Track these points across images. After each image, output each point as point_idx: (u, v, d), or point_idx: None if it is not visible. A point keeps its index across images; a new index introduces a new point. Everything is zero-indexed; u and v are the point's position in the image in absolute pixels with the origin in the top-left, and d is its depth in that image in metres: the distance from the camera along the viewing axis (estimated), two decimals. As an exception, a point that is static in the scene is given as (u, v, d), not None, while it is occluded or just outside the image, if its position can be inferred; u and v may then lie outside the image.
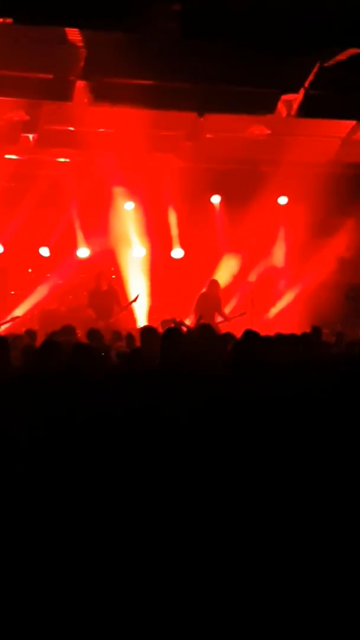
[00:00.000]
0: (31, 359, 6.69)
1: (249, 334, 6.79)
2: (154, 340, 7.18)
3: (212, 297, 12.79)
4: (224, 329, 12.26)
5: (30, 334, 9.97)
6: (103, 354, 7.73)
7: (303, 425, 4.34)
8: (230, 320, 12.58)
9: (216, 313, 12.74)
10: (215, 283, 13.00)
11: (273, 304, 13.99)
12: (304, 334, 8.80)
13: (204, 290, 12.89)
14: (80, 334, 9.83)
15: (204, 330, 8.51)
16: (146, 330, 8.29)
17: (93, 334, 9.24)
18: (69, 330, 9.50)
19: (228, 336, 8.29)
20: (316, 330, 9.84)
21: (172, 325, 10.73)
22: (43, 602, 3.24)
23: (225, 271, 13.99)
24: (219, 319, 12.67)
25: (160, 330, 11.07)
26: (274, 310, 13.95)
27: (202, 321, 11.69)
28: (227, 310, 13.26)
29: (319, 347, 8.33)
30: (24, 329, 10.65)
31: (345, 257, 13.97)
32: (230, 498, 3.77)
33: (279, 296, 14.16)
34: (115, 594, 3.30)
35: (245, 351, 6.14)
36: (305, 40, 9.49)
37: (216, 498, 3.75)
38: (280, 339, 7.64)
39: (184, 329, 10.33)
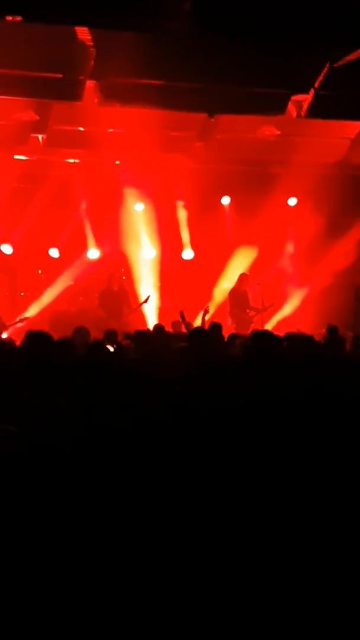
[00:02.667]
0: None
1: (259, 334, 6.77)
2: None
3: (242, 292, 12.97)
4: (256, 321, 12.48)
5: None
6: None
7: (315, 425, 4.31)
8: (261, 312, 12.85)
9: (246, 307, 13.00)
10: (245, 277, 13.17)
11: (282, 305, 13.96)
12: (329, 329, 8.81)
13: (232, 284, 13.14)
14: (93, 336, 9.81)
15: (212, 329, 8.53)
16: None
17: (109, 335, 9.23)
18: (82, 332, 9.45)
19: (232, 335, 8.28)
20: (332, 329, 9.79)
21: (179, 321, 10.75)
22: (49, 597, 3.23)
23: (236, 270, 13.98)
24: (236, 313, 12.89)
25: (171, 330, 11.10)
26: (283, 311, 13.91)
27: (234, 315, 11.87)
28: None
29: (336, 347, 8.26)
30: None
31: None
32: (242, 494, 3.76)
33: (288, 297, 14.12)
34: (122, 590, 3.29)
35: (255, 351, 6.12)
36: (315, 41, 9.48)
37: (233, 494, 3.74)
38: (293, 338, 7.60)
39: (191, 326, 10.32)
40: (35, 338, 6.53)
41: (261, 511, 3.69)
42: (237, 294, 13.11)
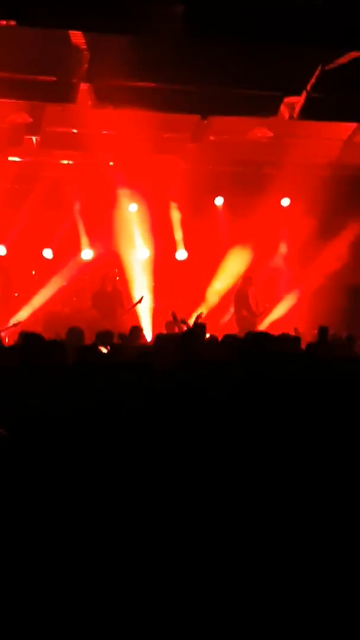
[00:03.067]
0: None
1: (253, 335, 6.83)
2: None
3: (246, 293, 13.13)
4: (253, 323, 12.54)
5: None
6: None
7: (310, 425, 4.35)
8: (257, 315, 12.91)
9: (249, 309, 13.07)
10: (249, 279, 13.27)
11: (276, 306, 14.02)
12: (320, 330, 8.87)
13: (237, 285, 13.19)
14: (86, 337, 9.84)
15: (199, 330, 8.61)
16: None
17: (102, 336, 9.27)
18: (76, 333, 9.48)
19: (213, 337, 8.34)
20: (322, 330, 9.87)
21: (172, 321, 10.81)
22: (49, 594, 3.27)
23: (229, 270, 14.04)
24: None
25: (165, 331, 11.16)
26: (277, 312, 13.96)
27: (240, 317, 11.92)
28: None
29: (327, 348, 8.35)
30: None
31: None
32: (237, 492, 3.79)
33: (281, 298, 14.18)
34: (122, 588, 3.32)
35: (249, 351, 6.18)
36: (307, 43, 9.52)
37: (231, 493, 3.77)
38: (286, 339, 7.67)
39: (184, 327, 10.37)
40: (28, 339, 6.58)
41: (258, 510, 3.72)
42: (241, 296, 13.11)
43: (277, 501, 3.79)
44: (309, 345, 8.02)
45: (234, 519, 3.67)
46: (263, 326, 13.10)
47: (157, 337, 7.63)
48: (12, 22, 8.74)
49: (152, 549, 3.48)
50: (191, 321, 11.24)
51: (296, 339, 8.10)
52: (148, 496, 3.72)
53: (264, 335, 7.26)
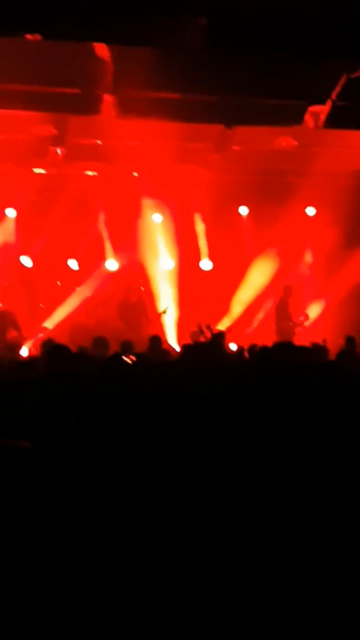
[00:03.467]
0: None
1: (278, 345, 6.79)
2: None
3: (287, 303, 13.10)
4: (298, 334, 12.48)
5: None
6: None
7: (339, 436, 4.32)
8: (297, 326, 12.84)
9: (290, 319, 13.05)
10: (289, 288, 13.22)
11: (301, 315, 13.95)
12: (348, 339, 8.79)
13: (278, 296, 13.18)
14: (111, 347, 9.86)
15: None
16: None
17: (127, 346, 9.29)
18: (101, 343, 9.50)
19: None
20: (350, 339, 9.79)
21: (198, 331, 10.81)
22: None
23: (255, 280, 14.01)
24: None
25: (190, 340, 11.15)
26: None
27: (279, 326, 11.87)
28: (259, 319, 13.41)
29: (356, 358, 8.26)
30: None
31: None
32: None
33: (307, 307, 14.11)
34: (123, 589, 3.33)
35: (275, 361, 6.14)
36: (332, 52, 9.50)
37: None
38: (314, 349, 7.62)
39: (208, 334, 10.37)
40: (54, 350, 6.62)
41: (284, 521, 3.70)
42: (282, 306, 13.04)
43: (300, 513, 3.76)
44: (339, 355, 7.95)
45: (261, 530, 3.65)
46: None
47: (184, 347, 7.63)
48: (38, 36, 8.82)
49: (183, 563, 3.47)
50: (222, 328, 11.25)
51: (324, 349, 8.04)
52: (178, 505, 3.70)
53: (290, 345, 7.22)
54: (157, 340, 10.56)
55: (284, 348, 6.70)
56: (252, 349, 8.50)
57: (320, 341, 9.63)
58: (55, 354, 6.46)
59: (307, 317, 13.27)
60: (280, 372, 5.67)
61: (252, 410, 4.65)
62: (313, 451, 4.17)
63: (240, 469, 3.99)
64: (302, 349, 7.05)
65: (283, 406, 4.68)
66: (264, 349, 6.68)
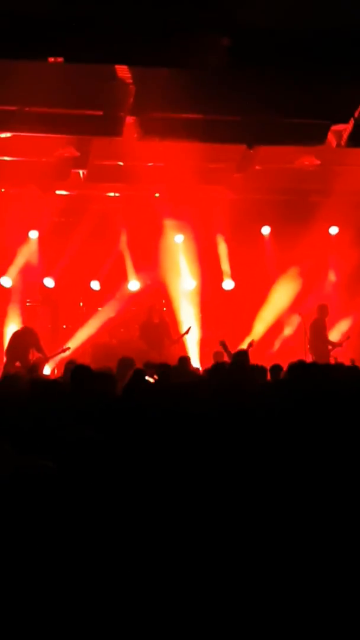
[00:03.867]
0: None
1: (300, 365, 6.71)
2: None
3: (322, 323, 12.95)
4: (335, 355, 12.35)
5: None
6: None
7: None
8: (337, 346, 12.75)
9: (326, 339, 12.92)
10: (324, 308, 13.08)
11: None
12: None
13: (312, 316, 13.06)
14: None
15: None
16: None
17: (149, 366, 9.25)
18: (127, 362, 9.46)
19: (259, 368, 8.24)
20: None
21: (222, 350, 10.74)
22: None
23: (278, 301, 13.94)
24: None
25: (213, 361, 11.08)
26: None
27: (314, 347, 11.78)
28: (282, 339, 13.32)
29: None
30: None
31: None
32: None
33: (331, 327, 14.01)
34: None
35: (298, 380, 6.08)
36: (354, 71, 9.47)
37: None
38: (342, 368, 7.53)
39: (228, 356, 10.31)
40: (76, 370, 6.63)
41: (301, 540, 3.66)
42: (317, 326, 12.93)
43: (323, 535, 3.70)
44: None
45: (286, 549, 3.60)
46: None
47: (211, 368, 7.60)
48: (60, 59, 8.88)
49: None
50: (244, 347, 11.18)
51: (355, 369, 7.93)
52: (206, 521, 3.67)
53: (315, 365, 7.14)
54: (186, 361, 10.50)
55: (319, 368, 6.63)
56: (275, 369, 8.42)
57: (348, 362, 9.53)
58: (78, 374, 6.46)
59: (347, 337, 13.10)
60: (315, 391, 5.61)
61: (281, 430, 4.61)
62: (342, 471, 4.11)
63: (266, 490, 3.94)
64: (337, 368, 6.99)
65: (312, 426, 4.63)
66: (297, 367, 6.57)
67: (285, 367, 8.03)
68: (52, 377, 11.11)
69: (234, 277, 14.22)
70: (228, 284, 14.25)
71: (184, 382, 7.07)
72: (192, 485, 3.95)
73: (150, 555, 3.49)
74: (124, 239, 13.91)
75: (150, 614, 3.29)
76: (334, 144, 11.36)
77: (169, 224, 13.80)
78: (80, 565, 3.41)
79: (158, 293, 13.99)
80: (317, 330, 12.90)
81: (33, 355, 12.09)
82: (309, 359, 12.07)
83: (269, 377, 8.19)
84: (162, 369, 8.27)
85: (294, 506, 3.83)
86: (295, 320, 13.55)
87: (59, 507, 3.60)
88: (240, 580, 3.43)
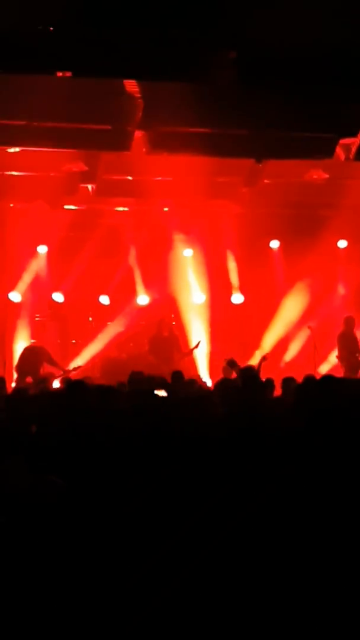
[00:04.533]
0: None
1: (311, 381, 6.67)
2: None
3: (351, 335, 12.87)
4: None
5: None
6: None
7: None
8: None
9: (356, 350, 12.78)
10: (351, 320, 13.01)
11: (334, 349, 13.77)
12: None
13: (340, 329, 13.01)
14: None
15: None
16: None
17: (158, 380, 9.21)
18: (138, 377, 9.43)
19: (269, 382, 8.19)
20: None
21: (226, 365, 10.70)
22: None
23: (287, 314, 13.90)
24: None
25: (222, 375, 11.04)
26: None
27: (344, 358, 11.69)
28: (292, 352, 13.24)
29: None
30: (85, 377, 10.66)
31: None
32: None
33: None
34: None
35: (309, 397, 6.02)
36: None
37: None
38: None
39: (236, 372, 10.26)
40: (72, 386, 6.67)
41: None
42: (346, 337, 12.86)
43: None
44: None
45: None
46: (324, 369, 12.87)
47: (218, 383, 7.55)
48: (68, 74, 8.92)
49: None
50: (254, 362, 11.14)
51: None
52: (221, 536, 3.65)
53: (330, 378, 7.07)
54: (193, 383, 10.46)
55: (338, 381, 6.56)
56: (287, 382, 8.38)
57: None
58: (73, 390, 6.48)
59: None
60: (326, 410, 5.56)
61: (290, 451, 4.56)
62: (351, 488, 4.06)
63: (282, 507, 3.90)
64: (346, 381, 6.93)
65: (326, 442, 4.58)
66: (308, 385, 6.51)
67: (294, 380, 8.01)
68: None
69: (243, 291, 14.19)
70: (237, 298, 14.23)
71: (191, 397, 7.04)
72: (194, 497, 3.93)
73: (156, 573, 3.47)
74: (133, 253, 13.92)
75: (152, 615, 3.29)
76: (343, 157, 11.37)
77: (178, 238, 13.81)
78: (90, 572, 3.41)
79: (167, 307, 13.97)
80: (347, 343, 12.80)
81: (44, 371, 12.08)
82: (318, 373, 12.03)
83: (279, 390, 8.15)
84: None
85: (297, 522, 3.80)
86: (305, 333, 13.49)
87: (69, 521, 3.60)
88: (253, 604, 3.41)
